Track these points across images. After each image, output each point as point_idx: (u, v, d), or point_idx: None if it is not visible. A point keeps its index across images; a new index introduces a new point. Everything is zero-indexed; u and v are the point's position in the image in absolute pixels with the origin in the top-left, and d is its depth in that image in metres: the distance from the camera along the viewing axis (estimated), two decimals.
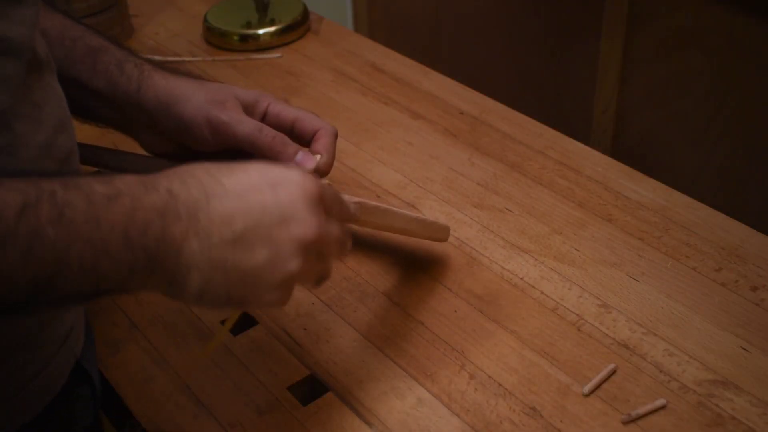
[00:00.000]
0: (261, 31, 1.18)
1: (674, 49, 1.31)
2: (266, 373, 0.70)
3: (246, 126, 0.68)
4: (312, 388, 0.69)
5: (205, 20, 1.21)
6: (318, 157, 0.69)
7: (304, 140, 0.71)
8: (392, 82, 1.08)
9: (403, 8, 1.80)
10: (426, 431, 0.64)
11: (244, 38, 1.18)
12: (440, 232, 0.78)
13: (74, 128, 0.62)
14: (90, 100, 0.71)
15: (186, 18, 1.27)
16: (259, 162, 0.53)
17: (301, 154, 0.68)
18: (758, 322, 0.72)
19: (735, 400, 0.65)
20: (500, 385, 0.67)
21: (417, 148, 0.95)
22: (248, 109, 0.70)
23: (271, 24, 1.19)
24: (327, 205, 0.54)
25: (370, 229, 0.78)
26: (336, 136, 0.71)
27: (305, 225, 0.51)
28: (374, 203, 0.65)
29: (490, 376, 0.68)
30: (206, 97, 0.69)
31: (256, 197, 0.50)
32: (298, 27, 1.20)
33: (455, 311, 0.74)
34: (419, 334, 0.72)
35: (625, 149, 1.47)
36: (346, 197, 0.59)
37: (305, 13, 1.23)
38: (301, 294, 0.77)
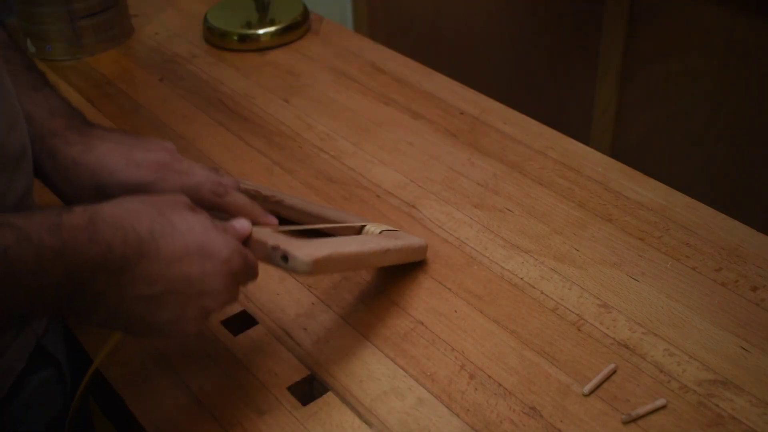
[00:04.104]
0: (261, 31, 1.18)
1: (674, 49, 1.32)
2: (266, 373, 0.69)
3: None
4: (312, 388, 0.69)
5: (205, 20, 1.21)
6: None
7: None
8: (392, 82, 1.08)
9: (403, 8, 1.81)
10: (426, 431, 0.64)
11: (244, 38, 1.18)
12: (417, 253, 0.78)
13: (25, 126, 0.62)
14: None
15: (186, 18, 1.27)
16: (206, 217, 0.56)
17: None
18: (758, 322, 0.72)
19: (735, 400, 0.65)
20: (500, 385, 0.67)
21: (417, 148, 0.95)
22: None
23: (271, 24, 1.19)
24: (242, 278, 0.58)
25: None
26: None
27: (217, 300, 0.56)
28: (340, 250, 0.63)
29: (490, 376, 0.68)
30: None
31: (183, 268, 0.54)
32: (298, 27, 1.20)
33: (455, 311, 0.74)
34: (419, 334, 0.72)
35: (625, 149, 1.47)
36: (303, 248, 0.59)
37: (305, 13, 1.23)
38: (301, 294, 0.77)
